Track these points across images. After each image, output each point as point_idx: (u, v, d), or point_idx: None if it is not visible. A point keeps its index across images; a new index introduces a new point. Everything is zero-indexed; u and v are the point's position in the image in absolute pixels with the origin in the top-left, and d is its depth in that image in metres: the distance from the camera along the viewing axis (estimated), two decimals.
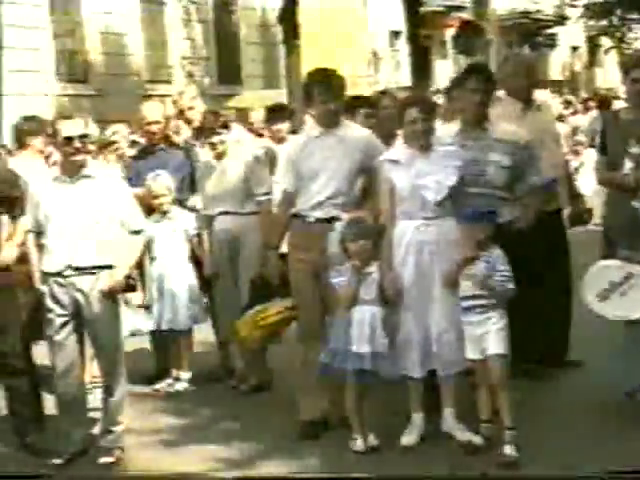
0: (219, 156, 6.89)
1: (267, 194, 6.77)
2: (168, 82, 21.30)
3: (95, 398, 6.12)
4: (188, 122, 7.72)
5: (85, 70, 19.47)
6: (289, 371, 6.28)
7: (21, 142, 7.41)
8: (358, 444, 5.47)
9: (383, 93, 7.71)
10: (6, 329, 5.86)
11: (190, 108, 7.67)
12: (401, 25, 22.27)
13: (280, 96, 17.16)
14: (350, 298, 5.39)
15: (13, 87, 16.92)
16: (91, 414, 5.95)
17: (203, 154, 7.23)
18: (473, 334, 5.30)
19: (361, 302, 5.39)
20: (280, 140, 7.80)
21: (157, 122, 7.40)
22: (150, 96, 13.82)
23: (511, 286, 5.27)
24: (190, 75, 21.83)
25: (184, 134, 7.94)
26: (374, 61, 27.82)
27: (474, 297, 5.29)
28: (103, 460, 5.62)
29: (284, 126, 7.90)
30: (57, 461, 5.61)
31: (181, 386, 6.95)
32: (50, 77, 18.44)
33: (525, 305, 5.55)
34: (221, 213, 6.85)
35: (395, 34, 28.70)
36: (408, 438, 5.51)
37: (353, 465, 5.34)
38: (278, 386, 6.70)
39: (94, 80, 19.32)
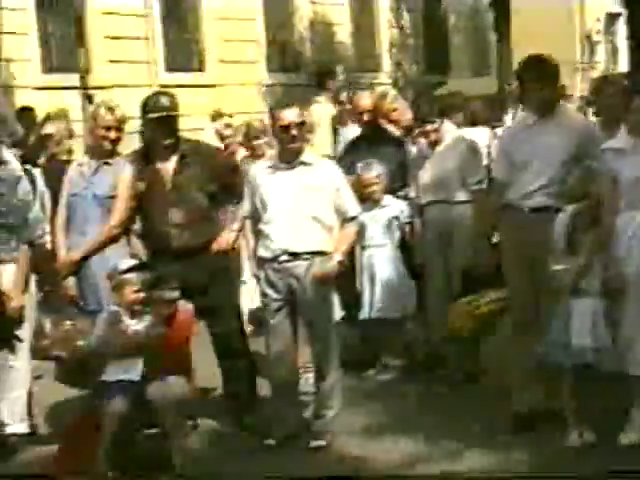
0: (433, 144, 6.85)
1: (480, 183, 6.68)
2: (376, 71, 21.41)
3: (306, 383, 6.21)
4: (394, 123, 7.62)
5: (296, 59, 19.82)
6: (502, 362, 6.18)
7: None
8: (573, 439, 5.34)
9: (605, 79, 7.43)
10: (223, 311, 6.04)
11: (394, 110, 7.59)
12: (619, 7, 21.43)
13: (489, 84, 16.93)
14: (572, 289, 5.26)
15: (228, 77, 17.43)
16: (303, 398, 6.06)
17: (414, 148, 7.21)
18: None
19: (583, 294, 5.26)
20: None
21: (368, 111, 7.43)
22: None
23: None
24: (398, 64, 21.84)
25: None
26: (589, 46, 26.96)
27: None
28: (314, 444, 5.70)
29: None
30: (270, 442, 5.74)
31: (391, 374, 6.96)
32: (262, 67, 18.90)
33: None
34: (433, 202, 6.81)
35: (612, 16, 27.64)
36: (628, 436, 5.30)
37: (567, 461, 5.20)
38: (490, 377, 6.59)
39: (304, 69, 19.64)
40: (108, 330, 5.42)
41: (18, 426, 5.97)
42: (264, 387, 6.12)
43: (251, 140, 7.76)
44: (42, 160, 7.54)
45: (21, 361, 5.95)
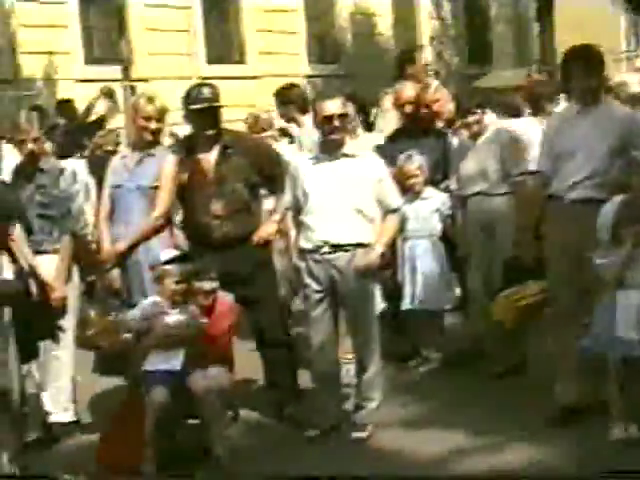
0: (474, 136, 6.80)
1: (523, 174, 6.63)
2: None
3: (347, 374, 6.20)
4: (436, 115, 7.58)
5: (336, 51, 19.82)
6: (545, 354, 6.13)
7: None
8: (617, 433, 5.28)
9: None
10: (265, 301, 6.05)
11: (436, 100, 7.54)
12: None
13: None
14: (617, 281, 5.21)
15: (269, 69, 17.46)
16: (344, 389, 6.05)
17: (455, 140, 7.17)
18: None
19: (628, 286, 5.20)
20: None
21: (410, 103, 7.39)
22: (400, 76, 13.80)
23: None
24: (439, 55, 21.74)
25: None
26: (635, 35, 26.59)
27: None
28: (355, 435, 5.70)
29: None
30: (311, 433, 5.75)
31: (431, 366, 6.94)
32: (302, 59, 18.92)
33: None
34: (475, 194, 6.76)
35: None
36: None
37: (610, 456, 5.13)
38: (532, 369, 6.55)
39: (345, 61, 19.62)
40: (150, 320, 5.46)
41: (62, 415, 6.04)
42: (305, 378, 6.12)
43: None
44: (87, 152, 7.61)
45: (65, 350, 6.01)
